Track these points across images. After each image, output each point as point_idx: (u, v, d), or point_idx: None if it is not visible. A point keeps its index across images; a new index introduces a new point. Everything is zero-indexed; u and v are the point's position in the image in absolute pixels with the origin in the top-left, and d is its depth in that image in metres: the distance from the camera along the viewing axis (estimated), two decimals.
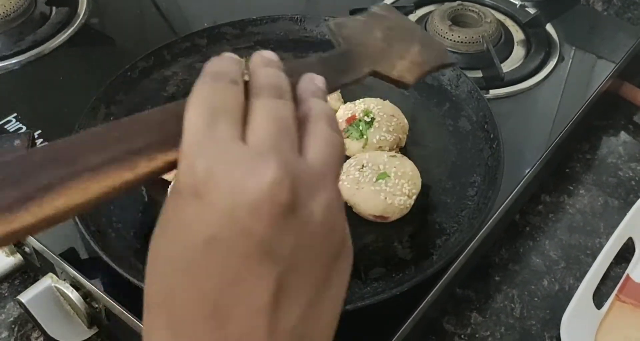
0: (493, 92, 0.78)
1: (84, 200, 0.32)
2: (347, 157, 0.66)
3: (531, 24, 0.87)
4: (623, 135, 0.86)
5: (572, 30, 0.87)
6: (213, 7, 0.90)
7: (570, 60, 0.83)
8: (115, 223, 0.61)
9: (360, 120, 0.66)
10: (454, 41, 0.82)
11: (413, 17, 0.88)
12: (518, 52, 0.84)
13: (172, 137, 0.34)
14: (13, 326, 0.66)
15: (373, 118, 0.66)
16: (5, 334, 0.65)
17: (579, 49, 0.85)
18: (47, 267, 0.63)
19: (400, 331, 0.56)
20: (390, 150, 0.66)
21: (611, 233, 0.71)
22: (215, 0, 0.92)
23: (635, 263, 0.71)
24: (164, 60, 0.75)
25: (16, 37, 0.84)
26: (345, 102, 0.70)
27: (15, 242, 0.63)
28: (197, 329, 0.32)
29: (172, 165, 0.34)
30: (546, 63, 0.82)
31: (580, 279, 0.68)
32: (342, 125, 0.67)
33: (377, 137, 0.66)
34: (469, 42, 0.82)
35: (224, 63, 0.37)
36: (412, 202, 0.63)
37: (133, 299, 0.55)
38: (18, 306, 0.64)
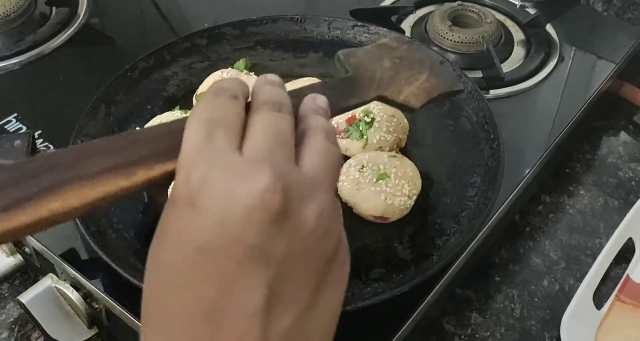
0: (493, 92, 0.78)
1: (80, 204, 0.33)
2: (347, 158, 0.66)
3: (531, 24, 0.87)
4: (623, 135, 0.86)
5: (572, 31, 0.87)
6: (213, 7, 0.90)
7: (570, 60, 0.83)
8: (115, 224, 0.61)
9: (360, 121, 0.66)
10: (454, 41, 0.82)
11: (413, 17, 0.88)
12: (518, 53, 0.84)
13: (172, 149, 0.35)
14: (13, 326, 0.66)
15: (373, 119, 0.66)
16: (5, 334, 0.65)
17: (579, 49, 0.85)
18: (47, 267, 0.63)
19: (401, 331, 0.56)
20: (390, 150, 0.66)
21: (611, 233, 0.71)
22: (215, 0, 0.92)
23: (635, 263, 0.71)
24: (164, 60, 0.75)
25: (16, 37, 0.84)
26: None
27: (13, 240, 0.63)
28: (191, 333, 0.33)
29: (171, 175, 0.35)
30: (546, 63, 0.82)
31: (580, 279, 0.68)
32: (343, 125, 0.67)
33: (377, 137, 0.66)
34: (469, 43, 0.82)
35: (226, 81, 0.38)
36: (412, 203, 0.63)
37: (133, 299, 0.55)
38: (18, 306, 0.64)
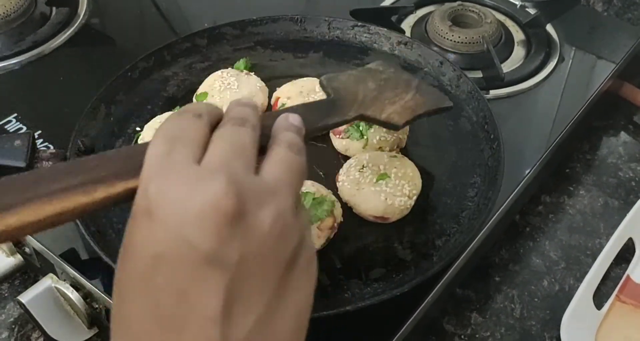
0: (493, 93, 0.78)
1: (35, 219, 0.35)
2: (348, 158, 0.66)
3: (531, 24, 0.87)
4: (623, 135, 0.86)
5: (572, 31, 0.87)
6: (213, 7, 0.90)
7: (571, 60, 0.83)
8: (115, 224, 0.61)
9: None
10: (454, 41, 0.82)
11: (413, 17, 0.88)
12: (518, 53, 0.84)
13: (135, 168, 0.36)
14: (13, 326, 0.66)
15: None
16: (5, 334, 0.65)
17: (579, 49, 0.85)
18: (47, 267, 0.63)
19: (401, 331, 0.57)
20: (390, 150, 0.66)
21: (611, 233, 0.70)
22: (215, 1, 0.92)
23: (636, 263, 0.71)
24: (164, 60, 0.75)
25: (16, 37, 0.84)
26: None
27: None
28: None
29: (134, 192, 0.36)
30: (546, 63, 0.82)
31: (580, 279, 0.68)
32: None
33: (378, 137, 0.66)
34: (469, 43, 0.82)
35: (192, 104, 0.40)
36: (413, 203, 0.63)
37: None
38: (18, 306, 0.64)
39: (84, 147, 0.65)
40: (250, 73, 0.73)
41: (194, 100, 0.71)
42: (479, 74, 0.80)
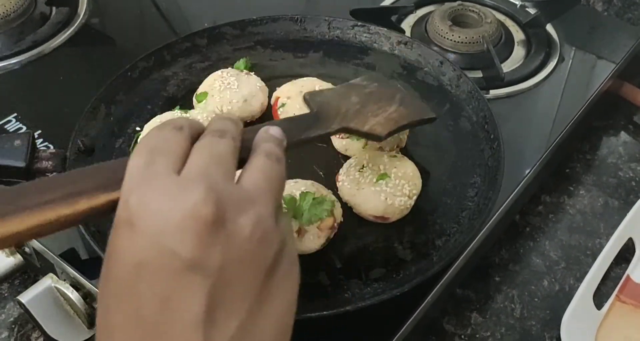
0: (493, 93, 0.78)
1: (18, 230, 0.36)
2: (348, 158, 0.66)
3: (531, 24, 0.87)
4: (623, 135, 0.86)
5: (572, 31, 0.87)
6: (213, 7, 0.90)
7: (571, 60, 0.83)
8: None
9: None
10: (454, 41, 0.82)
11: (413, 17, 0.88)
12: (518, 53, 0.84)
13: (117, 181, 0.37)
14: (13, 326, 0.66)
15: None
16: (5, 334, 0.65)
17: (579, 49, 0.85)
18: (47, 267, 0.63)
19: (401, 331, 0.57)
20: (390, 150, 0.66)
21: (611, 233, 0.70)
22: (215, 0, 0.92)
23: (636, 263, 0.71)
24: (164, 60, 0.75)
25: (16, 37, 0.84)
26: None
27: None
28: None
29: (116, 203, 0.36)
30: (546, 63, 0.82)
31: (580, 279, 0.68)
32: None
33: None
34: (469, 43, 0.82)
35: (173, 118, 0.41)
36: (413, 203, 0.63)
37: None
38: (18, 306, 0.64)
39: (84, 147, 0.65)
40: (250, 73, 0.73)
41: (194, 100, 0.71)
42: (479, 74, 0.80)
